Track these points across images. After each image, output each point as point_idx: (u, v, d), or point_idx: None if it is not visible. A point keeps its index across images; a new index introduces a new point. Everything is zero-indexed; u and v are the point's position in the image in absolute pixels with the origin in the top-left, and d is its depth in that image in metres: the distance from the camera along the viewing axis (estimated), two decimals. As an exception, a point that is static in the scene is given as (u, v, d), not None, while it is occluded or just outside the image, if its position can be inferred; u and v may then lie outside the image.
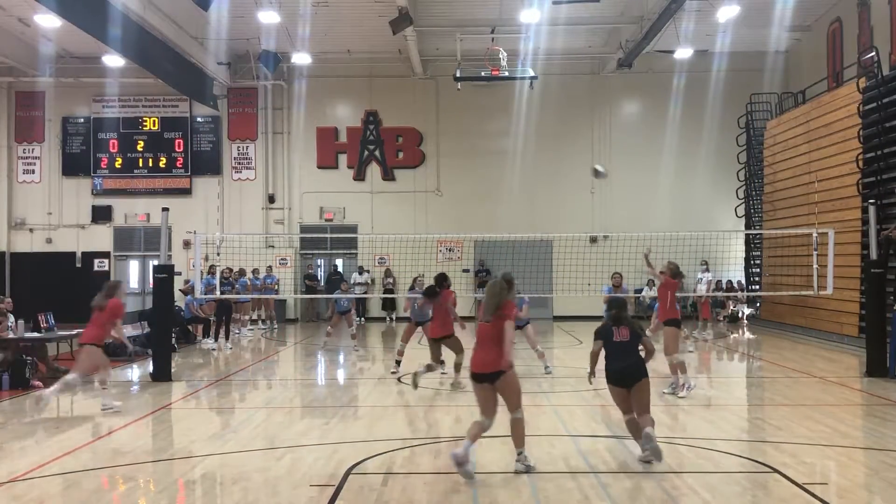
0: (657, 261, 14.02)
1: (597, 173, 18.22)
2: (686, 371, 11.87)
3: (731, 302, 26.16)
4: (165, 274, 14.37)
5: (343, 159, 28.06)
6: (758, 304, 25.50)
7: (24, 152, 28.05)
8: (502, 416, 10.28)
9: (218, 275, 19.41)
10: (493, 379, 7.51)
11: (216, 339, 18.66)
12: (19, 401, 12.06)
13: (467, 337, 13.11)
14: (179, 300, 20.78)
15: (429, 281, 15.54)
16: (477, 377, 7.60)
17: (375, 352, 18.86)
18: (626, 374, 7.96)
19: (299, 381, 15.01)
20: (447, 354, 12.97)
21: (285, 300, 26.39)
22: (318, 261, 28.45)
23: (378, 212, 27.62)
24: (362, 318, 26.40)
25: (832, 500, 6.70)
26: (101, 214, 27.87)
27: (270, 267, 24.96)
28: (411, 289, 15.66)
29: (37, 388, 12.80)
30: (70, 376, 11.01)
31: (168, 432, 10.23)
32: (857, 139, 18.50)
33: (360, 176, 27.92)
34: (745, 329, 24.00)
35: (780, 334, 21.44)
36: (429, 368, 12.51)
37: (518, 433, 7.59)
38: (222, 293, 18.58)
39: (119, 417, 10.84)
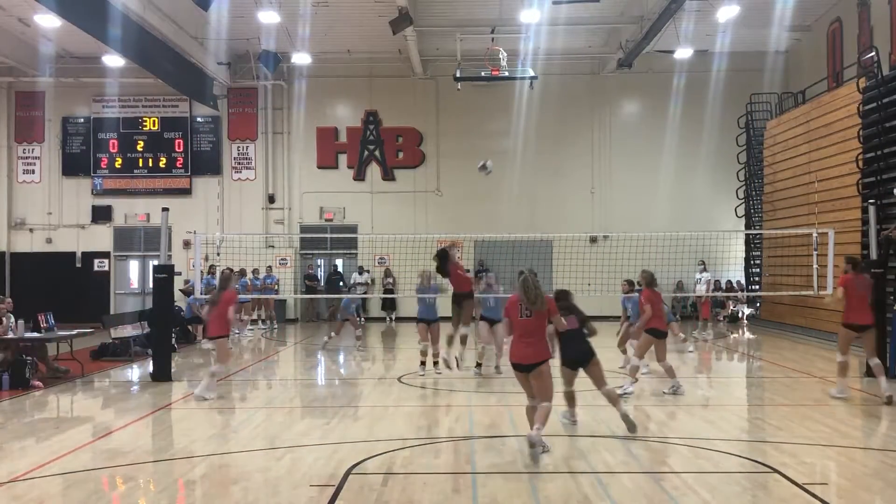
0: (655, 261, 14.06)
1: (483, 167, 17.38)
2: (634, 376, 11.81)
3: (730, 302, 26.18)
4: (165, 274, 14.36)
5: (343, 159, 28.06)
6: (758, 304, 25.50)
7: (24, 152, 28.05)
8: (493, 418, 10.30)
9: (218, 275, 19.39)
10: (529, 370, 8.27)
11: (216, 339, 18.61)
12: (19, 401, 12.06)
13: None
14: (180, 300, 20.78)
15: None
16: (518, 367, 8.39)
17: (375, 352, 18.87)
18: (577, 360, 9.32)
19: (299, 381, 15.01)
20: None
21: (285, 300, 26.40)
22: (318, 261, 28.45)
23: (378, 212, 27.62)
24: (362, 319, 26.34)
25: (832, 500, 6.70)
26: (101, 214, 27.86)
27: (270, 267, 24.96)
28: (421, 287, 14.29)
29: (37, 389, 12.81)
30: (214, 367, 12.24)
31: (168, 432, 10.22)
32: (857, 139, 18.50)
33: (360, 176, 27.93)
34: (745, 329, 24.00)
35: (780, 334, 21.43)
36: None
37: (542, 415, 8.20)
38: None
39: (119, 417, 10.86)
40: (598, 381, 9.25)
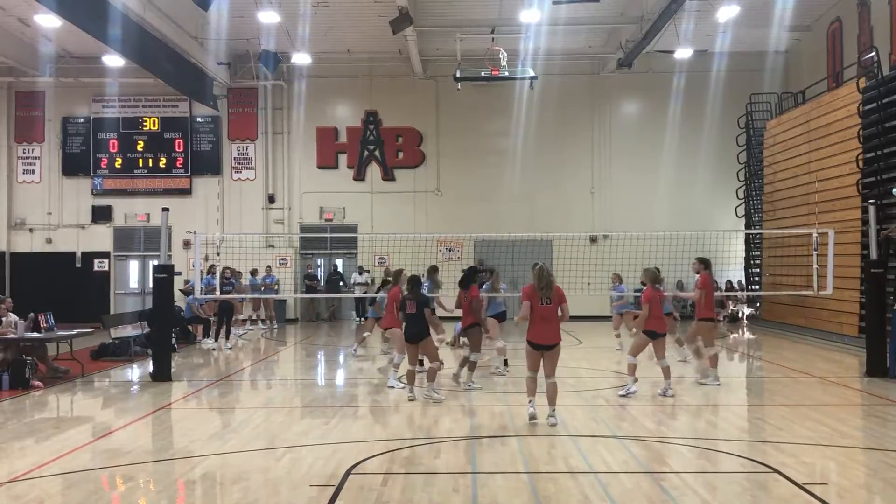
0: (655, 261, 14.10)
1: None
2: (633, 374, 11.71)
3: (731, 302, 26.17)
4: (165, 274, 14.36)
5: (343, 159, 28.07)
6: (758, 304, 25.50)
7: (24, 152, 28.05)
8: (493, 417, 10.30)
9: (218, 275, 19.42)
10: (549, 349, 9.48)
11: (216, 339, 18.66)
12: (19, 401, 12.05)
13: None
14: (180, 300, 20.77)
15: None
16: (537, 346, 9.51)
17: (375, 352, 18.84)
18: (413, 337, 11.25)
19: (299, 381, 15.01)
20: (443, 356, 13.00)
21: (285, 300, 26.40)
22: (318, 261, 28.45)
23: (378, 212, 27.62)
24: (362, 319, 26.36)
25: (832, 500, 6.70)
26: (101, 214, 27.87)
27: (270, 267, 24.97)
28: (485, 283, 14.82)
29: (37, 389, 12.81)
30: (396, 355, 13.07)
31: (168, 432, 10.22)
32: (857, 139, 18.50)
33: (360, 176, 27.93)
34: (745, 329, 23.99)
35: (780, 334, 21.43)
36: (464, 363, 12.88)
37: (553, 394, 9.47)
38: (224, 293, 18.56)
39: (119, 417, 10.86)
40: (430, 356, 11.32)
